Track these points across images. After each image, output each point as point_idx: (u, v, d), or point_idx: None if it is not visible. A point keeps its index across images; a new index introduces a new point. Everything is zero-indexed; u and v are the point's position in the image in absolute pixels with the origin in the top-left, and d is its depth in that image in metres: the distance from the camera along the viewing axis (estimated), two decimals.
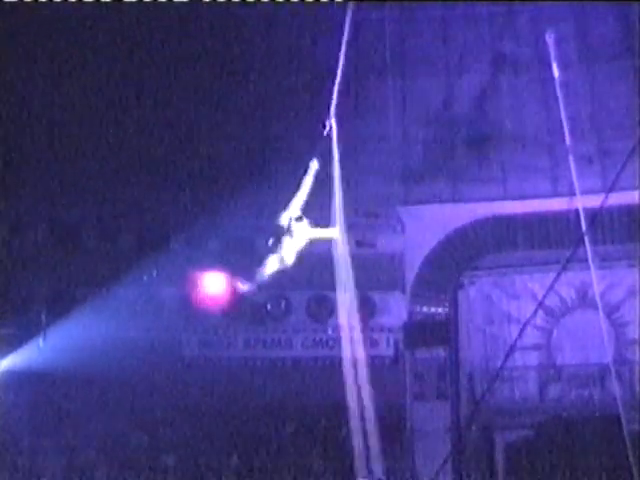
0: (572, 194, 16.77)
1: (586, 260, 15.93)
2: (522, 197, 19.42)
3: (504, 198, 19.56)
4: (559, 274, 17.52)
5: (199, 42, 18.92)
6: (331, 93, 12.18)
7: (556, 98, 16.39)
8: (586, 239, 15.92)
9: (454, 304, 20.09)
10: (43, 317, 19.39)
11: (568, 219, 17.61)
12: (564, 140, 16.34)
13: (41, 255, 19.62)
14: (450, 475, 18.70)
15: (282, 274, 11.42)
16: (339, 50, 12.03)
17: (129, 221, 19.88)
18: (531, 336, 19.18)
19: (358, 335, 11.76)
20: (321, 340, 20.16)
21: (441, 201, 19.78)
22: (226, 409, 19.63)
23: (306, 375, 19.79)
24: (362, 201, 19.90)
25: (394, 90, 19.33)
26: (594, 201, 16.51)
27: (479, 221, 19.75)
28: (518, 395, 19.57)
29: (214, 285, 19.89)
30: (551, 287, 18.24)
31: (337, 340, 20.14)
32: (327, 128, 11.61)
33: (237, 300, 19.73)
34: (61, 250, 19.71)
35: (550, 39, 15.99)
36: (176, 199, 19.44)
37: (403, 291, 20.05)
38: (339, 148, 19.26)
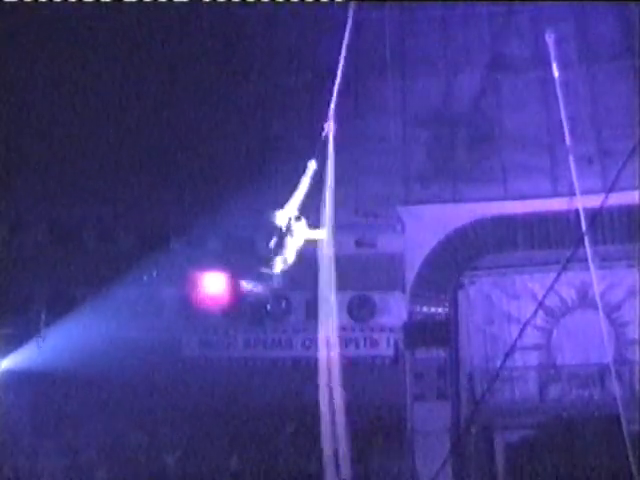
0: (572, 194, 16.74)
1: (586, 260, 15.92)
2: (522, 197, 19.42)
3: (504, 198, 19.56)
4: (559, 274, 17.51)
5: (199, 42, 18.94)
6: (331, 93, 12.19)
7: (556, 98, 16.37)
8: (586, 239, 15.91)
9: (454, 304, 20.09)
10: (43, 317, 19.38)
11: (568, 219, 17.59)
12: (564, 140, 16.31)
13: (41, 255, 19.61)
14: (450, 475, 18.69)
15: (282, 274, 11.42)
16: (339, 50, 12.02)
17: (129, 221, 19.88)
18: (531, 336, 19.17)
19: (336, 336, 11.72)
20: None
21: (441, 201, 19.79)
22: (226, 409, 19.63)
23: (306, 375, 19.76)
24: (362, 201, 19.92)
25: (394, 90, 19.32)
26: (594, 201, 16.51)
27: (479, 221, 19.75)
28: (518, 395, 19.55)
29: (214, 285, 19.91)
30: (551, 287, 18.24)
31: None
32: (325, 130, 11.59)
33: (237, 300, 19.75)
34: (61, 250, 19.71)
35: (550, 39, 15.97)
36: (176, 199, 19.45)
37: (403, 291, 20.05)
38: (338, 149, 19.35)
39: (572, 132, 16.25)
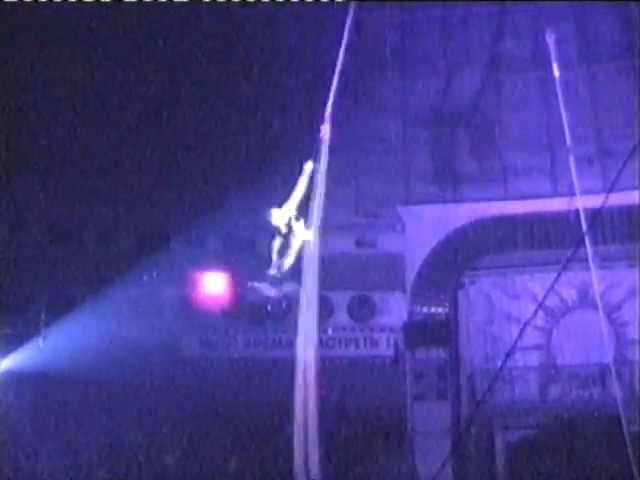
0: (572, 194, 16.74)
1: (586, 260, 15.92)
2: (522, 197, 19.43)
3: (504, 198, 19.57)
4: (559, 274, 17.53)
5: (199, 42, 18.92)
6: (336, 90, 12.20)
7: (556, 98, 16.36)
8: (586, 239, 15.91)
9: (454, 304, 20.10)
10: (43, 317, 19.39)
11: (568, 219, 17.59)
12: (564, 140, 16.31)
13: (41, 255, 19.61)
14: (450, 475, 18.70)
15: (291, 278, 11.44)
16: (339, 50, 12.01)
17: (129, 221, 19.88)
18: (531, 336, 19.17)
19: (315, 336, 11.71)
20: (321, 340, 20.09)
21: (441, 201, 19.80)
22: (226, 409, 19.63)
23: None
24: (362, 201, 19.93)
25: (394, 90, 19.35)
26: (594, 201, 16.52)
27: (479, 221, 19.75)
28: (518, 395, 19.54)
29: (214, 285, 19.92)
30: (551, 287, 18.26)
31: (337, 340, 20.22)
32: (322, 132, 11.57)
33: (237, 300, 19.76)
34: (61, 250, 19.71)
35: (550, 39, 15.96)
36: (176, 199, 19.44)
37: (403, 291, 20.06)
38: (338, 149, 19.34)
39: (572, 132, 16.24)
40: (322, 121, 11.78)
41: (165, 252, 19.59)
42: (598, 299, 16.55)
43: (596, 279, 16.46)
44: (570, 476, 18.40)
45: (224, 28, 18.84)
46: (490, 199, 19.59)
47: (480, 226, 19.75)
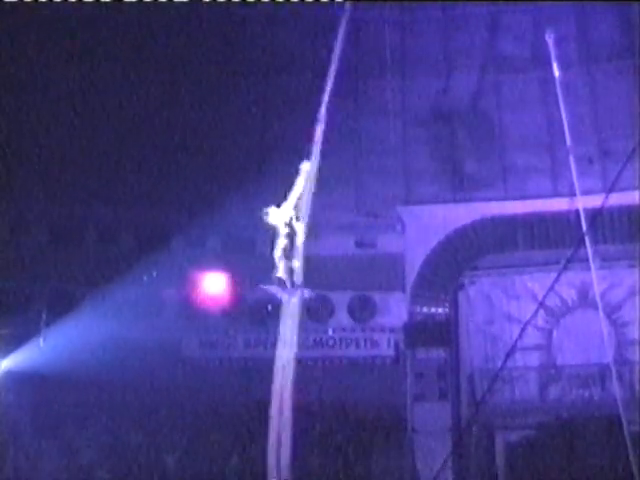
0: (572, 194, 16.72)
1: (586, 260, 15.90)
2: (522, 197, 19.44)
3: (504, 198, 19.58)
4: (559, 274, 17.50)
5: (199, 42, 18.94)
6: (332, 92, 12.18)
7: (556, 98, 16.34)
8: (586, 239, 15.89)
9: (454, 304, 20.09)
10: (43, 317, 19.38)
11: (568, 219, 17.59)
12: (564, 140, 16.28)
13: (41, 255, 19.60)
14: (451, 475, 18.69)
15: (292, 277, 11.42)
16: (340, 49, 12.03)
17: (129, 221, 19.87)
18: (532, 336, 19.15)
19: (294, 340, 11.72)
20: (321, 340, 20.16)
21: (441, 201, 19.79)
22: (226, 409, 19.62)
23: (306, 375, 19.76)
24: (362, 201, 19.94)
25: (394, 90, 19.34)
26: (594, 201, 16.50)
27: (479, 221, 19.75)
28: (518, 395, 19.53)
29: (214, 285, 19.91)
30: (551, 287, 18.23)
31: (337, 340, 20.23)
32: (317, 133, 11.55)
33: (237, 300, 19.76)
34: (61, 250, 19.69)
35: (550, 39, 15.94)
36: (176, 199, 19.44)
37: (403, 291, 20.05)
38: (339, 149, 19.35)
39: (572, 132, 16.22)
40: (323, 120, 11.75)
41: (165, 252, 19.58)
42: (598, 299, 16.53)
43: (596, 279, 16.43)
44: (570, 476, 18.39)
45: (224, 28, 18.85)
46: (490, 199, 19.60)
47: (480, 226, 19.75)
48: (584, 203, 16.20)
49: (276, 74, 19.17)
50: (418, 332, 19.89)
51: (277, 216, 11.17)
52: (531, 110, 19.18)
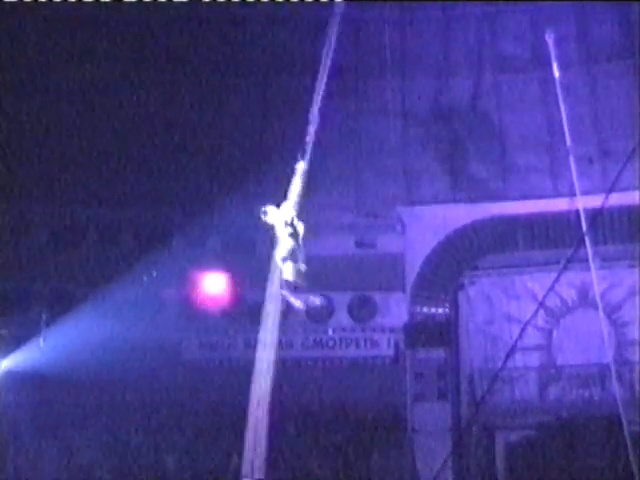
0: (572, 194, 16.73)
1: (586, 260, 15.91)
2: (522, 197, 19.43)
3: (504, 198, 19.56)
4: (559, 274, 17.52)
5: (199, 42, 18.92)
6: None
7: (556, 98, 16.35)
8: (586, 239, 15.90)
9: (454, 304, 20.08)
10: (43, 317, 19.37)
11: (568, 219, 17.59)
12: (564, 140, 16.30)
13: (41, 255, 19.59)
14: (450, 475, 18.70)
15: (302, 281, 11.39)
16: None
17: (129, 221, 19.86)
18: (532, 336, 19.15)
19: (275, 341, 11.64)
20: (321, 340, 20.17)
21: (441, 201, 19.77)
22: (226, 409, 19.61)
23: (306, 375, 19.79)
24: (362, 201, 19.93)
25: (394, 90, 19.33)
26: (594, 201, 16.50)
27: (479, 221, 19.75)
28: (518, 395, 19.52)
29: (214, 286, 19.91)
30: (551, 287, 18.24)
31: (337, 340, 20.23)
32: (309, 134, 11.51)
33: (237, 301, 19.75)
34: (61, 250, 19.69)
35: (550, 39, 15.94)
36: (176, 199, 19.44)
37: (403, 291, 20.05)
38: (339, 149, 19.37)
39: (572, 132, 16.23)
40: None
41: (165, 252, 19.57)
42: (598, 299, 16.53)
43: (596, 279, 16.45)
44: (570, 476, 18.39)
45: (224, 28, 18.83)
46: (490, 199, 19.59)
47: (480, 226, 19.75)
48: (584, 203, 16.21)
49: (276, 74, 19.16)
50: (418, 332, 19.89)
51: (276, 215, 11.12)
52: (531, 110, 19.16)
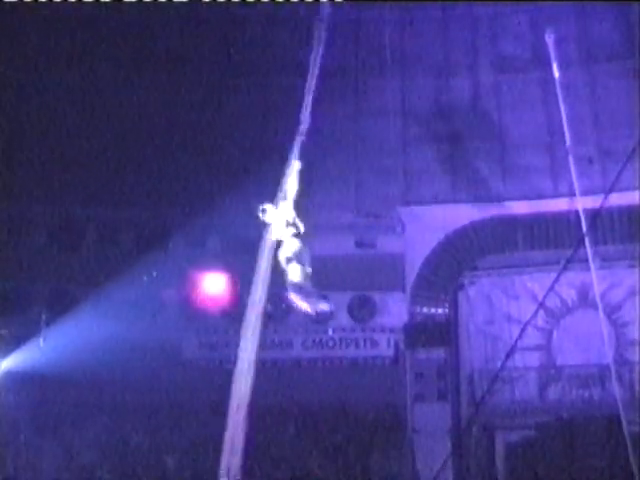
0: (572, 194, 16.73)
1: (586, 260, 15.91)
2: (522, 197, 19.43)
3: (504, 198, 19.56)
4: (559, 274, 17.53)
5: (199, 42, 18.93)
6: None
7: (556, 98, 16.35)
8: (586, 239, 15.90)
9: (454, 305, 20.08)
10: (43, 317, 19.37)
11: (568, 219, 17.59)
12: (564, 140, 16.30)
13: (41, 255, 19.58)
14: (450, 475, 18.69)
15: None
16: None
17: (129, 221, 19.86)
18: (532, 337, 19.14)
19: (256, 341, 11.59)
20: (321, 340, 20.17)
21: (441, 201, 19.77)
22: (226, 410, 19.57)
23: (306, 375, 19.80)
24: (362, 201, 19.93)
25: (394, 90, 19.34)
26: (594, 201, 16.51)
27: (479, 221, 19.74)
28: (518, 396, 19.51)
29: (214, 286, 19.90)
30: (551, 287, 18.24)
31: (337, 340, 20.22)
32: (301, 134, 11.49)
33: (237, 301, 19.74)
34: (61, 250, 19.68)
35: (550, 39, 15.94)
36: (176, 199, 19.43)
37: (403, 291, 20.05)
38: (339, 149, 19.37)
39: (572, 132, 16.24)
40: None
41: (165, 252, 19.57)
42: (598, 299, 16.53)
43: (596, 279, 16.44)
44: (570, 476, 18.37)
45: (224, 28, 18.83)
46: (490, 199, 19.59)
47: (480, 226, 19.74)
48: (584, 203, 16.21)
49: (276, 74, 19.16)
50: (418, 332, 19.88)
51: (276, 215, 11.08)
52: (531, 110, 19.16)
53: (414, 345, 19.87)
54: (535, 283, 19.33)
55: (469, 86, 19.47)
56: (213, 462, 19.21)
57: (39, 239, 19.73)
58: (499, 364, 18.68)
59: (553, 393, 19.47)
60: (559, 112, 16.22)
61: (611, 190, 15.99)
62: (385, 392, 19.56)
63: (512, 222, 19.57)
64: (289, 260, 10.85)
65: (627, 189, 17.55)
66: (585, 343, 18.86)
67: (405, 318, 20.00)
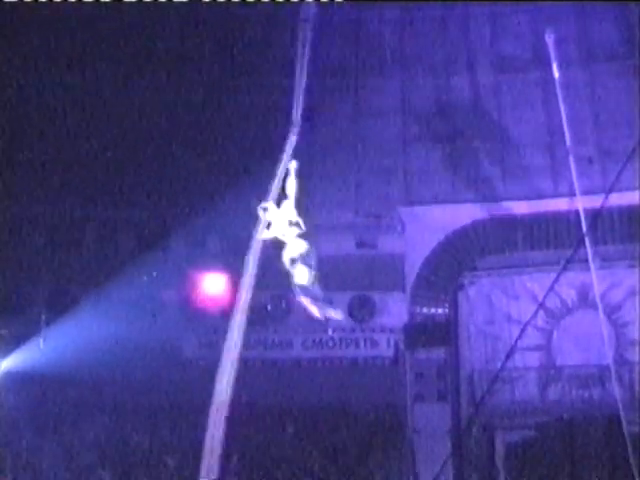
0: (572, 194, 16.75)
1: (586, 260, 15.93)
2: (522, 197, 19.42)
3: (504, 198, 19.56)
4: (559, 275, 17.53)
5: (199, 42, 18.94)
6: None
7: (556, 98, 16.36)
8: (586, 239, 15.90)
9: (454, 305, 20.06)
10: (43, 317, 19.37)
11: (568, 219, 17.61)
12: (564, 140, 16.31)
13: (41, 255, 19.59)
14: (451, 476, 18.68)
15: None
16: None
17: (129, 221, 19.86)
18: (532, 337, 19.13)
19: (239, 341, 11.57)
20: (321, 340, 20.16)
21: (441, 201, 19.77)
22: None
23: (306, 375, 19.79)
24: (362, 202, 19.93)
25: (394, 90, 19.35)
26: (594, 201, 16.51)
27: (479, 222, 19.74)
28: (518, 396, 19.50)
29: (214, 286, 19.89)
30: (551, 288, 18.24)
31: (337, 340, 20.22)
32: (293, 135, 11.49)
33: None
34: (61, 250, 19.69)
35: (550, 39, 15.95)
36: (176, 199, 19.43)
37: (403, 291, 20.04)
38: (339, 149, 19.36)
39: (572, 132, 16.25)
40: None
41: (165, 252, 19.57)
42: (598, 300, 16.54)
43: (596, 279, 16.46)
44: (570, 476, 18.39)
45: (224, 28, 18.84)
46: (490, 199, 19.59)
47: (480, 226, 19.73)
48: (584, 203, 16.22)
49: (276, 74, 19.16)
50: (418, 332, 19.87)
51: (277, 214, 11.06)
52: (531, 110, 19.17)
53: (414, 345, 19.86)
54: (535, 283, 19.32)
55: (469, 86, 19.48)
56: None
57: (39, 239, 19.73)
58: (499, 364, 18.67)
59: (553, 393, 19.45)
60: (559, 112, 16.23)
61: (611, 190, 16.00)
62: (385, 392, 19.55)
63: (512, 222, 19.55)
64: (294, 261, 10.77)
65: (627, 189, 17.55)
66: (585, 343, 18.86)
67: (405, 318, 19.99)
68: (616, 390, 16.40)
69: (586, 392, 19.15)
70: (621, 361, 18.72)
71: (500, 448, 19.34)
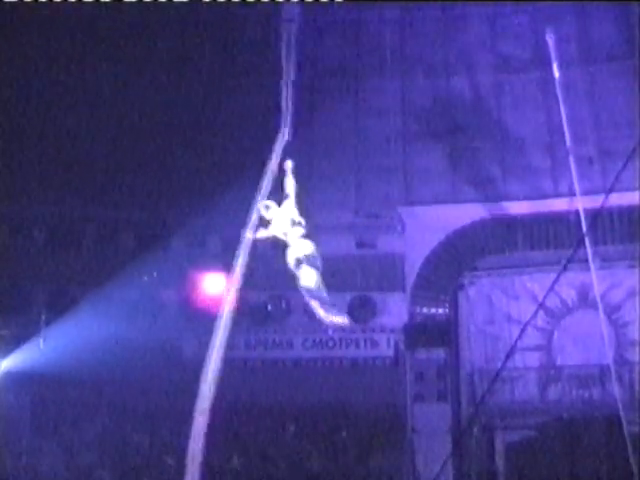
0: (572, 194, 16.72)
1: (586, 261, 15.89)
2: (522, 197, 19.43)
3: (504, 198, 19.56)
4: (559, 275, 17.47)
5: (199, 42, 18.94)
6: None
7: (556, 98, 16.35)
8: (586, 240, 15.88)
9: (454, 305, 20.08)
10: (43, 317, 19.37)
11: (568, 219, 17.59)
12: (564, 140, 16.30)
13: (41, 255, 19.59)
14: (450, 476, 18.67)
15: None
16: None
17: (129, 221, 19.86)
18: (532, 337, 19.14)
19: (224, 341, 11.56)
20: (321, 340, 20.16)
21: (441, 201, 19.77)
22: (226, 410, 19.59)
23: (306, 375, 19.79)
24: (362, 202, 19.94)
25: (394, 90, 19.35)
26: (594, 201, 16.48)
27: (479, 222, 19.75)
28: (518, 396, 19.52)
29: (214, 286, 19.87)
30: (551, 288, 18.19)
31: (337, 340, 20.22)
32: (284, 136, 11.48)
33: (237, 301, 19.72)
34: (61, 250, 19.69)
35: (550, 39, 15.94)
36: (176, 199, 19.43)
37: (403, 292, 20.04)
38: (339, 149, 19.34)
39: (572, 132, 16.23)
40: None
41: (165, 252, 19.57)
42: (598, 300, 16.52)
43: (596, 280, 16.43)
44: (570, 476, 18.37)
45: (224, 28, 18.85)
46: (490, 199, 19.59)
47: (480, 226, 19.74)
48: (584, 203, 16.20)
49: (276, 74, 19.13)
50: (418, 332, 19.88)
51: (279, 213, 11.03)
52: (531, 110, 19.18)
53: (414, 345, 19.86)
54: (535, 283, 19.33)
55: (469, 86, 19.48)
56: (212, 462, 19.37)
57: (39, 239, 19.73)
58: (499, 364, 18.62)
59: (553, 393, 19.47)
60: (559, 112, 16.22)
61: (611, 190, 15.95)
62: (385, 392, 19.55)
63: (512, 222, 19.57)
64: (299, 262, 10.63)
65: (627, 189, 17.51)
66: (585, 343, 18.87)
67: (405, 318, 20.00)
68: (616, 390, 16.37)
69: (586, 392, 19.15)
70: (621, 361, 18.73)
71: (500, 448, 19.34)
